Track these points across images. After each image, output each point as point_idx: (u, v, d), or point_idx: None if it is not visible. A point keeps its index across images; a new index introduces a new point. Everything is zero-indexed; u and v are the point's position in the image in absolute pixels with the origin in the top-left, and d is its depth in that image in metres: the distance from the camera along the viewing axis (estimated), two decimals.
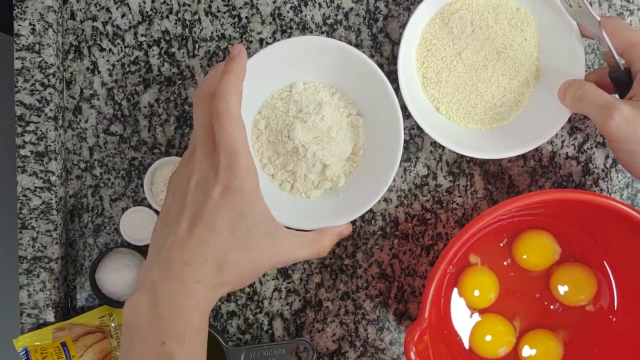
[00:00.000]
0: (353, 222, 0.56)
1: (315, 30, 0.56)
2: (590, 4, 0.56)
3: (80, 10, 0.55)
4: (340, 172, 0.53)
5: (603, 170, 0.57)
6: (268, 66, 0.50)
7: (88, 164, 0.56)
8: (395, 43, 0.56)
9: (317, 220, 0.51)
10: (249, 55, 0.49)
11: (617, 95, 0.50)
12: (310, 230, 0.48)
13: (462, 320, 0.55)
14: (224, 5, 0.55)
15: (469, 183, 0.57)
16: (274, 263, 0.42)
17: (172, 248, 0.40)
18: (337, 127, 0.52)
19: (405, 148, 0.56)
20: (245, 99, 0.47)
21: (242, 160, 0.40)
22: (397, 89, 0.50)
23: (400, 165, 0.56)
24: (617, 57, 0.49)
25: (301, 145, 0.51)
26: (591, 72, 0.53)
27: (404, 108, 0.50)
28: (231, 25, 0.56)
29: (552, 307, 0.56)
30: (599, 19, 0.48)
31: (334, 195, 0.53)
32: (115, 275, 0.53)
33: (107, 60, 0.55)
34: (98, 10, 0.55)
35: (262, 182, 0.50)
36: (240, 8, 0.55)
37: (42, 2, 0.53)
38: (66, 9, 0.55)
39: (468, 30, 0.53)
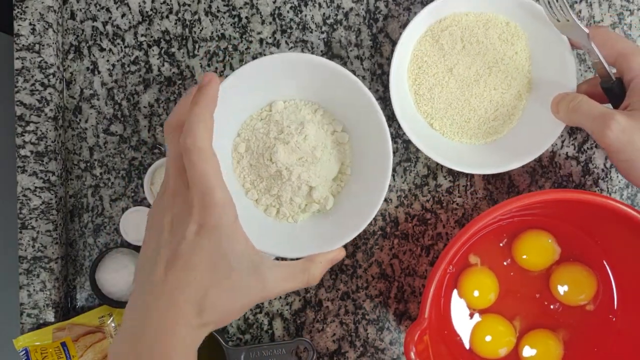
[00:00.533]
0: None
1: (316, 30, 0.56)
2: (590, 4, 0.56)
3: (80, 10, 0.55)
4: (328, 193, 0.51)
5: (603, 170, 0.57)
6: (246, 85, 0.47)
7: (88, 164, 0.56)
8: (395, 43, 0.56)
9: (307, 246, 0.48)
10: (248, 59, 0.49)
11: (610, 106, 0.50)
12: (298, 259, 0.45)
13: (462, 320, 0.55)
14: (224, 5, 0.55)
15: (468, 183, 0.57)
16: (260, 299, 0.40)
17: (150, 292, 0.38)
18: (321, 146, 0.49)
19: (405, 148, 0.56)
20: (223, 121, 0.45)
21: (216, 197, 0.37)
22: (387, 101, 0.50)
23: (400, 165, 0.56)
24: (607, 67, 0.49)
25: (285, 168, 0.48)
26: (582, 82, 0.53)
27: (393, 120, 0.50)
28: (231, 25, 0.56)
29: (552, 307, 0.56)
30: (587, 31, 0.47)
31: (323, 218, 0.51)
32: (115, 275, 0.53)
33: (107, 60, 0.55)
34: (98, 10, 0.55)
35: (246, 208, 0.50)
36: (240, 8, 0.55)
37: (42, 2, 0.53)
38: (66, 9, 0.55)
39: (459, 46, 0.53)
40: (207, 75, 0.40)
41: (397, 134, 0.56)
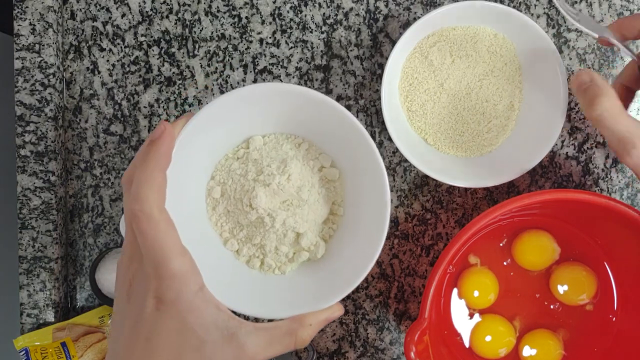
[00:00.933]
0: None
1: (315, 30, 0.56)
2: (590, 4, 0.56)
3: (80, 10, 0.55)
4: (318, 238, 0.45)
5: (603, 170, 0.57)
6: (218, 122, 0.41)
7: (88, 164, 0.56)
8: (396, 43, 0.56)
9: (298, 302, 0.41)
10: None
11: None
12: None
13: (462, 320, 0.55)
14: (224, 5, 0.55)
15: None
16: None
17: None
18: (308, 185, 0.43)
19: None
20: (194, 162, 0.41)
21: (173, 267, 0.33)
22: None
23: (400, 165, 0.56)
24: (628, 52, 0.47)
25: (267, 214, 0.42)
26: (619, 75, 0.51)
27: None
28: (231, 25, 0.56)
29: (552, 307, 0.56)
30: (596, 35, 0.47)
31: (314, 268, 0.45)
32: (115, 275, 0.53)
33: (107, 60, 0.55)
34: (98, 10, 0.55)
35: (225, 260, 0.44)
36: (240, 8, 0.55)
37: (42, 2, 0.53)
38: (66, 9, 0.55)
39: (448, 61, 0.53)
40: (159, 127, 0.36)
41: None
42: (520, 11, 0.53)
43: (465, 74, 0.53)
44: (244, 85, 0.55)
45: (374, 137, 0.56)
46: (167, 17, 0.55)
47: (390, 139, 0.52)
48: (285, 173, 0.42)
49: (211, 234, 0.45)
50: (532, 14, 0.56)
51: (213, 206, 0.44)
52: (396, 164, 0.56)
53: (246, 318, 0.37)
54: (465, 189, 0.57)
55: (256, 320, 0.39)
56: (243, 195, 0.43)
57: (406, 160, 0.56)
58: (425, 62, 0.53)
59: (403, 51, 0.52)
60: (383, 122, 0.51)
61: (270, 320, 0.39)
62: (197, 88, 0.56)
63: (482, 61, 0.53)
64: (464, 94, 0.54)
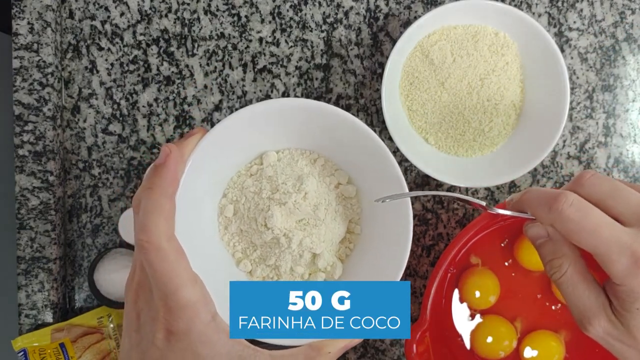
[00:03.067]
0: None
1: (315, 29, 0.55)
2: (592, 3, 0.56)
3: (79, 9, 0.55)
4: (335, 259, 0.43)
5: (605, 170, 0.57)
6: (231, 137, 0.40)
7: (86, 164, 0.55)
8: (396, 42, 0.55)
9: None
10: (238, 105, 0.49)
11: None
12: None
13: (463, 321, 0.55)
14: (223, 4, 0.55)
15: None
16: None
17: None
18: (324, 204, 0.41)
19: None
20: (205, 179, 0.40)
21: (183, 298, 0.32)
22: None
23: (400, 165, 0.56)
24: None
25: (283, 234, 0.41)
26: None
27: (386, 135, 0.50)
28: (230, 24, 0.55)
29: (553, 307, 0.55)
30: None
31: None
32: (114, 276, 0.52)
33: (106, 60, 0.55)
34: (97, 9, 0.55)
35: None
36: (240, 7, 0.55)
37: (41, 1, 0.53)
38: (65, 8, 0.55)
39: (449, 60, 0.53)
40: (165, 149, 0.34)
41: None
42: (522, 10, 0.52)
43: (467, 73, 0.53)
44: (243, 85, 0.55)
45: None
46: (166, 16, 0.55)
47: (390, 139, 0.51)
48: (302, 191, 0.41)
49: (223, 254, 0.43)
50: (534, 13, 0.55)
51: (225, 225, 0.43)
52: (397, 163, 0.56)
53: (262, 344, 0.37)
54: (467, 189, 0.56)
55: (272, 347, 0.39)
56: (257, 215, 0.41)
57: (407, 160, 0.56)
58: (426, 61, 0.53)
59: (403, 50, 0.52)
60: (383, 122, 0.51)
61: (286, 347, 0.38)
62: (196, 87, 0.55)
63: (483, 60, 0.53)
64: (465, 93, 0.53)
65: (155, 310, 0.32)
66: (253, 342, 0.35)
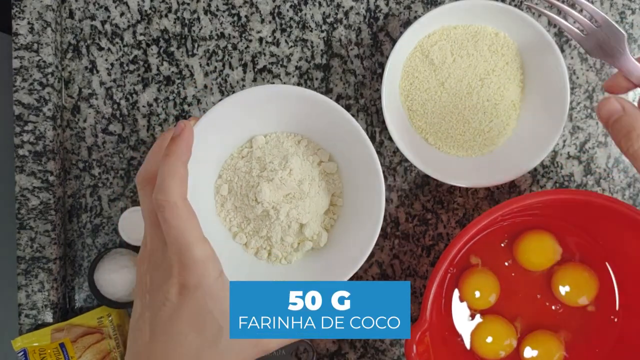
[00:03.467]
0: None
1: (315, 29, 0.55)
2: (592, 2, 0.56)
3: (79, 9, 0.55)
4: (320, 228, 0.48)
5: (605, 170, 0.57)
6: (222, 124, 0.45)
7: (86, 164, 0.55)
8: (396, 42, 0.55)
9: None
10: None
11: None
12: None
13: (463, 321, 0.55)
14: (223, 4, 0.55)
15: None
16: (255, 354, 0.38)
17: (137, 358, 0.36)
18: (308, 179, 0.46)
19: None
20: (202, 162, 0.44)
21: (195, 254, 0.35)
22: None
23: (400, 164, 0.56)
24: None
25: (271, 207, 0.45)
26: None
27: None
28: (230, 24, 0.55)
29: (553, 307, 0.55)
30: (625, 33, 0.44)
31: (318, 256, 0.48)
32: (114, 276, 0.52)
33: (106, 60, 0.55)
34: (97, 9, 0.55)
35: (235, 253, 0.47)
36: (240, 7, 0.55)
37: (41, 1, 0.53)
38: (65, 8, 0.55)
39: (449, 60, 0.53)
40: (180, 124, 0.38)
41: None
42: (522, 10, 0.52)
43: (467, 73, 0.53)
44: (243, 85, 0.55)
45: (374, 137, 0.56)
46: (166, 16, 0.55)
47: (390, 139, 0.51)
48: (287, 168, 0.45)
49: (221, 228, 0.48)
50: (534, 13, 0.55)
51: (221, 203, 0.48)
52: (397, 163, 0.56)
53: None
54: (467, 189, 0.56)
55: None
56: (249, 191, 0.46)
57: (407, 160, 0.56)
58: (426, 61, 0.53)
59: (403, 50, 0.52)
60: (383, 122, 0.51)
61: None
62: (196, 87, 0.55)
63: (483, 60, 0.53)
64: (465, 93, 0.53)
65: (169, 268, 0.35)
66: None
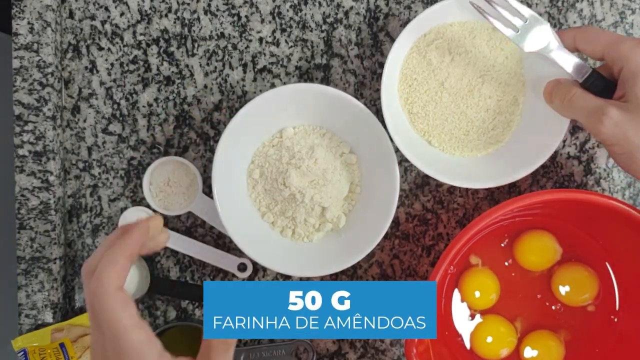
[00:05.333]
0: None
1: (315, 29, 0.55)
2: (592, 3, 0.56)
3: (79, 9, 0.55)
4: (340, 212, 0.53)
5: (605, 170, 0.57)
6: (257, 115, 0.50)
7: (86, 164, 0.55)
8: (392, 45, 0.55)
9: (323, 264, 0.51)
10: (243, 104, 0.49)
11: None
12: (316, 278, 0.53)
13: (463, 321, 0.55)
14: (223, 4, 0.55)
15: None
16: None
17: None
18: (331, 168, 0.52)
19: None
20: (238, 149, 0.51)
21: (129, 340, 0.35)
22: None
23: (400, 164, 0.56)
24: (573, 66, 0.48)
25: (298, 191, 0.51)
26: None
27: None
28: (230, 24, 0.55)
29: (553, 307, 0.55)
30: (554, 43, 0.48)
31: (337, 236, 0.53)
32: None
33: (106, 60, 0.55)
34: (97, 9, 0.55)
35: (262, 231, 0.53)
36: (240, 7, 0.55)
37: (41, 1, 0.53)
38: (65, 8, 0.55)
39: (447, 59, 0.52)
40: (138, 222, 0.39)
41: None
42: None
43: (466, 71, 0.53)
44: (243, 85, 0.55)
45: None
46: (166, 15, 0.55)
47: (390, 138, 0.51)
48: (313, 157, 0.51)
49: (251, 208, 0.54)
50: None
51: (253, 185, 0.53)
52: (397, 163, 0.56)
53: (285, 277, 0.55)
54: (467, 189, 0.56)
55: (287, 278, 0.55)
56: (278, 176, 0.52)
57: (407, 160, 0.56)
58: (424, 62, 0.53)
59: (400, 52, 0.52)
60: (384, 121, 0.51)
61: (301, 279, 0.54)
62: (196, 87, 0.55)
63: (482, 56, 0.52)
64: (466, 91, 0.53)
65: (104, 354, 0.36)
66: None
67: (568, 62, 0.48)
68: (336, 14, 0.55)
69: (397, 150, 0.56)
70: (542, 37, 0.48)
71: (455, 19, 0.52)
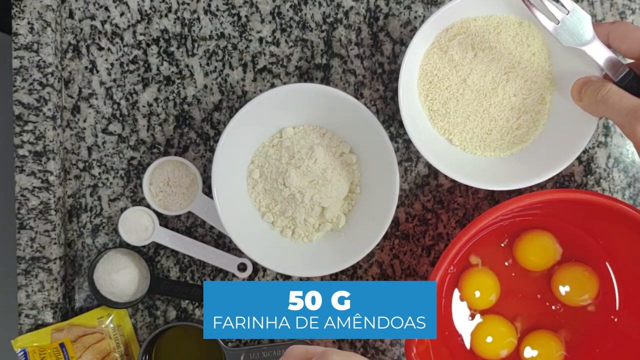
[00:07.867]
0: None
1: (315, 29, 0.55)
2: (592, 3, 0.56)
3: (79, 9, 0.55)
4: (340, 212, 0.53)
5: (605, 170, 0.57)
6: (256, 115, 0.50)
7: (86, 164, 0.55)
8: (396, 42, 0.55)
9: (322, 264, 0.51)
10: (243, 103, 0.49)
11: None
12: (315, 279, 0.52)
13: (463, 321, 0.55)
14: (223, 4, 0.55)
15: None
16: None
17: None
18: (331, 168, 0.51)
19: (406, 147, 0.56)
20: (237, 149, 0.51)
21: None
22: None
23: (401, 164, 0.56)
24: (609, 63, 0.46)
25: (298, 191, 0.51)
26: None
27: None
28: (230, 24, 0.55)
29: (553, 307, 0.55)
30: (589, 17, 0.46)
31: (336, 236, 0.53)
32: (114, 276, 0.52)
33: (106, 60, 0.55)
34: (97, 9, 0.55)
35: (262, 231, 0.53)
36: (240, 7, 0.55)
37: (41, 1, 0.53)
38: (65, 8, 0.55)
39: (470, 55, 0.50)
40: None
41: (398, 133, 0.56)
42: None
43: (490, 67, 0.50)
44: (243, 85, 0.55)
45: None
46: (166, 15, 0.55)
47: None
48: (313, 157, 0.51)
49: (251, 208, 0.53)
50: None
51: (253, 185, 0.53)
52: (397, 163, 0.56)
53: (285, 277, 0.54)
54: (467, 189, 0.56)
55: (287, 278, 0.54)
56: (278, 176, 0.51)
57: (407, 160, 0.56)
58: (445, 58, 0.51)
59: (420, 47, 0.50)
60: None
61: (300, 279, 0.54)
62: (196, 87, 0.55)
63: (507, 52, 0.50)
64: (490, 89, 0.51)
65: None
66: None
67: (604, 58, 0.45)
68: (336, 14, 0.55)
69: (397, 150, 0.56)
70: (581, 30, 0.46)
71: (479, 13, 0.50)
